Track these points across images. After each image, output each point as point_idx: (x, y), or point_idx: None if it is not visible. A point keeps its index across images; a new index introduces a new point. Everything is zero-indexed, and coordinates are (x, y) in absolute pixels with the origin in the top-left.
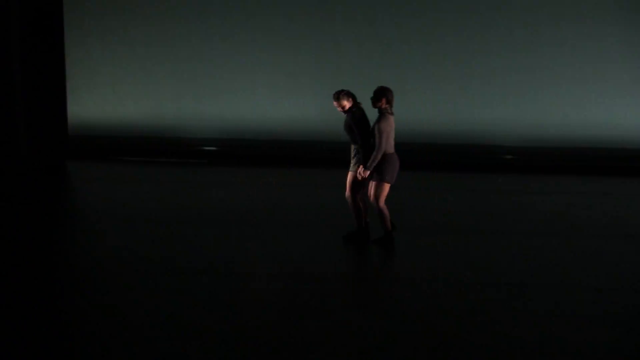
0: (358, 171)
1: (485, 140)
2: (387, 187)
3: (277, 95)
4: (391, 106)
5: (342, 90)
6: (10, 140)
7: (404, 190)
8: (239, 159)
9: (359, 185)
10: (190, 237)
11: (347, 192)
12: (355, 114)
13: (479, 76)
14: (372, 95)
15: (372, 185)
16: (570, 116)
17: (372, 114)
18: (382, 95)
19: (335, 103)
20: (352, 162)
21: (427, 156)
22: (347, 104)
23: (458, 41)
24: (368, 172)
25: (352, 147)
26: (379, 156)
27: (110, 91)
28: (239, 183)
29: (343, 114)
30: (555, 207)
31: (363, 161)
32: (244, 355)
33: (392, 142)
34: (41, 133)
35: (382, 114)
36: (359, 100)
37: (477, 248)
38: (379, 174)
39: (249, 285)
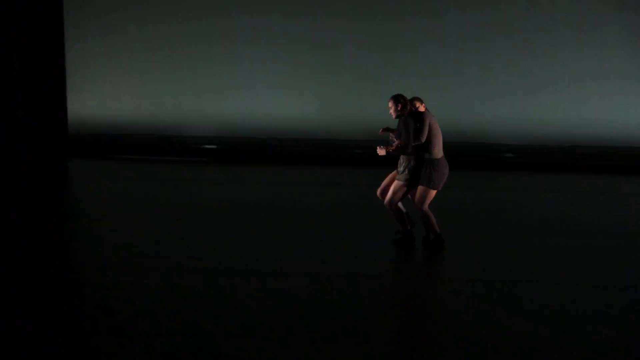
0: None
1: (484, 138)
2: (432, 194)
3: (277, 93)
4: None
5: (401, 96)
6: (10, 138)
7: None
8: (239, 156)
9: (404, 194)
10: (192, 235)
11: (387, 200)
12: (408, 122)
13: (478, 74)
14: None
15: (418, 190)
16: (569, 114)
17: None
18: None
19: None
20: (400, 169)
21: None
22: (391, 109)
23: (457, 38)
24: (383, 151)
25: (402, 156)
26: (416, 142)
27: (110, 89)
28: (238, 181)
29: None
30: (554, 205)
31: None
32: (248, 355)
33: (440, 147)
34: (41, 131)
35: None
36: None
37: (476, 246)
38: (427, 180)
39: (250, 284)
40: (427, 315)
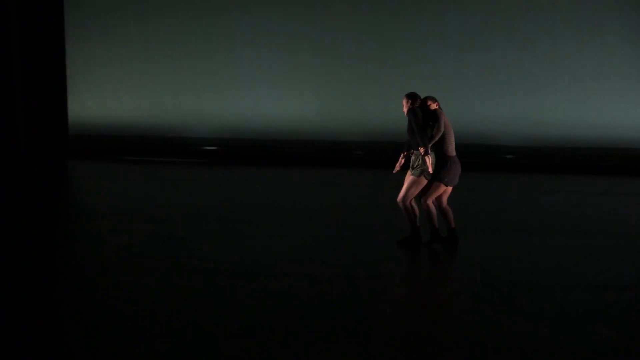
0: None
1: (484, 139)
2: (441, 189)
3: (277, 93)
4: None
5: (408, 94)
6: (10, 139)
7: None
8: (239, 157)
9: (418, 191)
10: (192, 235)
11: (400, 196)
12: (417, 114)
13: (478, 74)
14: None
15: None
16: (569, 114)
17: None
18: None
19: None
20: (412, 166)
21: None
22: (405, 106)
23: (457, 38)
24: (424, 149)
25: (414, 153)
26: (437, 137)
27: (110, 90)
28: (238, 181)
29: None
30: (554, 205)
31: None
32: (248, 355)
33: (452, 145)
34: (41, 132)
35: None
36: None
37: (476, 246)
38: (439, 176)
39: (250, 284)
40: (427, 315)
